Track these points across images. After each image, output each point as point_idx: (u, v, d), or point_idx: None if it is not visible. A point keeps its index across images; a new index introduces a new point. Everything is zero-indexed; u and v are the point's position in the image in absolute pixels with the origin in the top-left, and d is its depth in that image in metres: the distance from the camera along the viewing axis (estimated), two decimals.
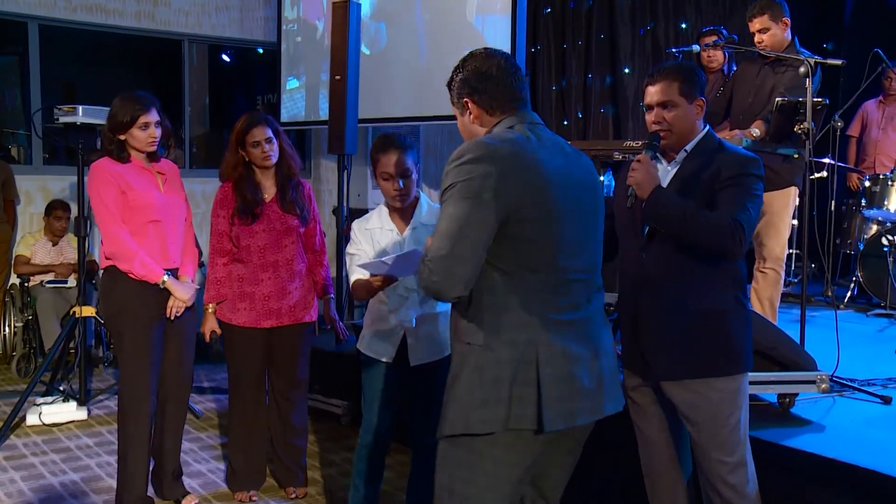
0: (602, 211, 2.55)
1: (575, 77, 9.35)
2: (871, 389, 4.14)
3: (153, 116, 3.89)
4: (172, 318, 3.95)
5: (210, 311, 4.14)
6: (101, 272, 4.02)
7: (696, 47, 5.59)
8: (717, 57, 5.92)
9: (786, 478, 3.32)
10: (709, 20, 8.40)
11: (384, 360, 3.55)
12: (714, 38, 5.95)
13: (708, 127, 2.98)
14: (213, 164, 8.79)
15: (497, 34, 6.86)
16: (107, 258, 3.90)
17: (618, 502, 3.82)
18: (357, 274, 3.48)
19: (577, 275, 2.39)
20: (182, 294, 3.94)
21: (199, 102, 9.58)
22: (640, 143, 5.02)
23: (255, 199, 4.07)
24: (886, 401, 4.02)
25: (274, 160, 4.08)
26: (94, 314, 5.74)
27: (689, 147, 2.93)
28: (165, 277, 3.89)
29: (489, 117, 2.44)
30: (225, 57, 9.71)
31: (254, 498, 4.25)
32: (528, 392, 2.27)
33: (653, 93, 2.92)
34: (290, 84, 8.76)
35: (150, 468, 4.10)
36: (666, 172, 2.97)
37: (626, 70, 8.95)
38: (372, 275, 3.28)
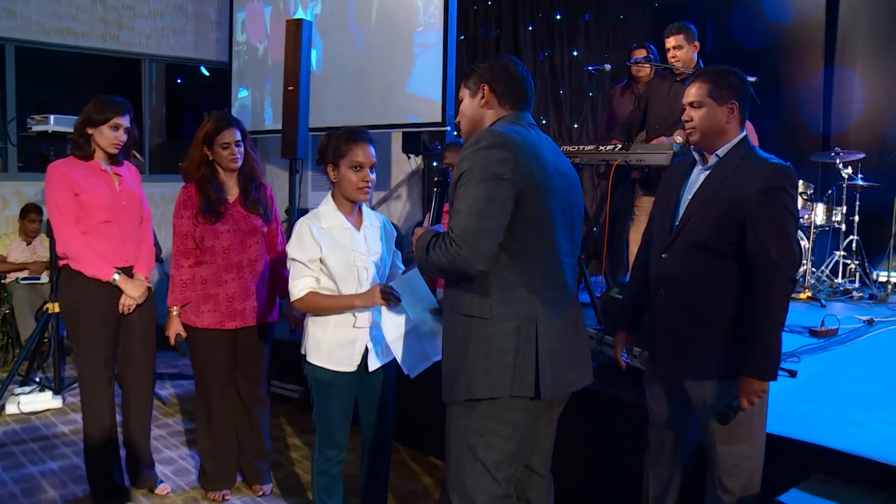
0: (581, 205, 2.35)
1: None
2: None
3: (125, 121, 3.31)
4: (125, 313, 3.37)
5: (174, 314, 3.40)
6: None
7: (608, 66, 5.24)
8: (643, 69, 5.49)
9: None
10: (595, 49, 8.16)
11: (346, 370, 2.84)
12: (643, 52, 5.55)
13: (744, 133, 2.49)
14: (169, 169, 8.33)
15: (428, 61, 6.40)
16: (61, 258, 3.32)
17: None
18: (311, 284, 2.80)
19: (566, 258, 2.25)
20: (132, 291, 3.35)
21: (157, 115, 8.88)
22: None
23: (218, 198, 3.37)
24: (792, 374, 3.73)
25: (240, 163, 3.41)
26: None
27: (720, 152, 2.48)
28: (116, 276, 3.31)
29: (498, 107, 2.28)
30: (180, 75, 9.04)
31: (227, 497, 3.59)
32: (529, 362, 2.12)
33: (687, 94, 2.51)
34: (241, 93, 8.25)
35: (123, 457, 3.56)
36: (698, 176, 2.53)
37: None
38: (386, 290, 2.71)
